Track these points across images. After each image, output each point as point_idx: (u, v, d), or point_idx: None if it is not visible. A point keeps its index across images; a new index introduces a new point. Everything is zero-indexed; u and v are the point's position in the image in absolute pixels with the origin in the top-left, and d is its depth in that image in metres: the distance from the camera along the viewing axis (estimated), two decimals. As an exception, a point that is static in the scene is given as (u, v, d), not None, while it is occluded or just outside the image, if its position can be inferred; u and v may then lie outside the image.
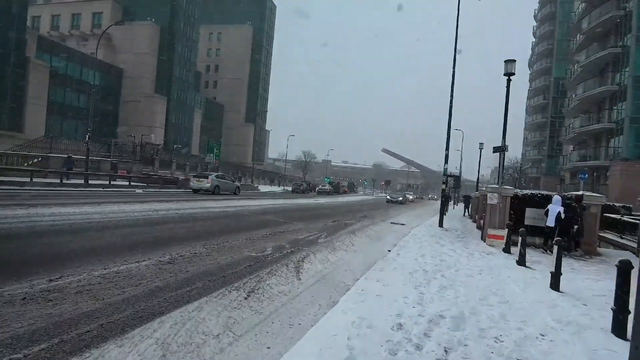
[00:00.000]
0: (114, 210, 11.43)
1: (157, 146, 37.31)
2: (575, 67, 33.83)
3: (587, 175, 17.02)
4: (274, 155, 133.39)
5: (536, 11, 64.29)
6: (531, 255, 8.91)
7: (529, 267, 7.90)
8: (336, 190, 58.17)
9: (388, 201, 36.25)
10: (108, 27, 33.89)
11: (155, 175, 30.90)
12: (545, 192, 11.25)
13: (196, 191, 24.79)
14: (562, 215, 9.77)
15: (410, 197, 50.35)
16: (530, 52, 76.29)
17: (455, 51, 16.16)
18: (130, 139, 35.58)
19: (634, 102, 25.92)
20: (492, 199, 10.84)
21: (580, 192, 10.80)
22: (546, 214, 10.12)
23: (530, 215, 11.07)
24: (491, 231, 10.75)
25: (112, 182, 24.42)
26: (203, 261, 6.20)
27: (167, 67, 64.58)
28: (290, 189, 52.68)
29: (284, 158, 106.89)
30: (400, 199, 36.88)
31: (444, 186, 16.67)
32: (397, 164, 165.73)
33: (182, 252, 6.65)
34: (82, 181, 22.85)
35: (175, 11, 65.10)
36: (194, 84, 77.31)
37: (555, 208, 9.88)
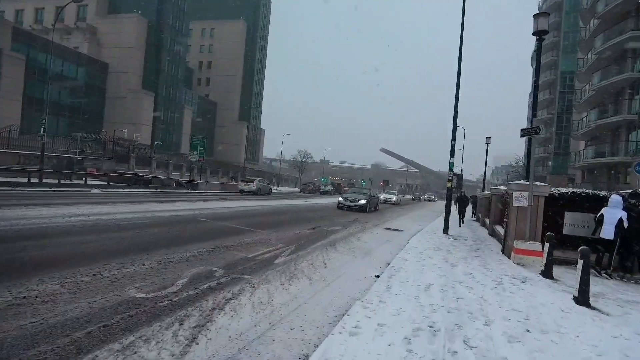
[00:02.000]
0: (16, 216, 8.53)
1: (133, 142, 34.33)
2: (590, 55, 30.96)
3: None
4: (272, 155, 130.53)
5: (540, 3, 61.48)
6: (576, 278, 5.99)
7: (596, 309, 4.97)
8: (337, 190, 61.11)
9: (339, 206, 21.42)
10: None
11: (128, 174, 27.99)
12: (591, 192, 8.30)
13: (242, 192, 29.64)
14: (625, 224, 6.85)
15: (394, 199, 37.31)
16: (533, 47, 73.65)
17: (462, 31, 13.41)
18: (103, 134, 32.57)
19: (661, 90, 23.07)
20: (521, 200, 7.90)
21: (643, 190, 7.88)
22: (599, 221, 7.20)
23: (571, 222, 8.13)
24: (519, 244, 7.81)
25: (72, 181, 21.60)
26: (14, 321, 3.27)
27: (155, 62, 61.69)
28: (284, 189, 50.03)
29: (279, 156, 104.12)
30: (362, 202, 20.92)
31: (449, 184, 13.76)
32: (396, 164, 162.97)
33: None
34: (36, 180, 19.98)
35: (163, 4, 62.15)
36: (185, 80, 74.38)
37: (615, 213, 6.96)
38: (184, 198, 19.12)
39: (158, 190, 23.68)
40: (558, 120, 51.39)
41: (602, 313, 4.80)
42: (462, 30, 13.71)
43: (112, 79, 58.76)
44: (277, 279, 5.47)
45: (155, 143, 42.51)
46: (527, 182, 8.06)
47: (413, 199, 67.01)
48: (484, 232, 15.65)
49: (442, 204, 50.39)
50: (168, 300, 4.13)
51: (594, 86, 28.90)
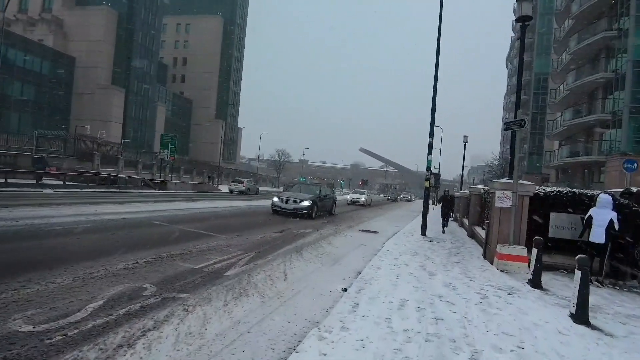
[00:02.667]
0: None
1: (98, 140, 32.43)
2: (564, 56, 31.19)
3: (636, 164, 13.78)
4: (250, 154, 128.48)
5: (515, 5, 62.33)
6: (567, 286, 5.32)
7: (598, 328, 4.23)
8: None
9: (274, 210, 15.71)
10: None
11: (91, 173, 26.27)
12: (578, 190, 7.67)
13: (231, 192, 31.01)
14: (616, 225, 6.20)
15: (363, 199, 31.27)
16: (507, 50, 74.98)
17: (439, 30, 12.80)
18: (66, 132, 30.55)
19: (634, 89, 23.20)
20: (504, 200, 7.19)
21: (634, 188, 7.29)
22: (587, 223, 6.54)
23: (558, 224, 7.48)
24: (503, 249, 7.08)
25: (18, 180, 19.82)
26: None
27: (125, 57, 59.17)
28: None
29: (259, 157, 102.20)
30: (306, 203, 15.18)
31: (426, 183, 13.07)
32: (376, 164, 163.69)
33: None
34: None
35: (134, -4, 59.75)
36: (158, 77, 71.97)
37: (604, 214, 6.30)
38: (148, 199, 17.79)
39: (121, 190, 22.18)
40: (532, 121, 52.03)
41: (605, 334, 4.05)
42: (439, 30, 13.06)
43: (80, 74, 55.98)
44: (222, 297, 4.49)
45: (123, 141, 40.47)
46: (511, 181, 7.35)
47: (389, 199, 59.93)
48: (462, 233, 15.07)
49: (419, 203, 50.38)
50: (61, 335, 3.11)
51: (568, 86, 29.06)
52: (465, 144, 25.12)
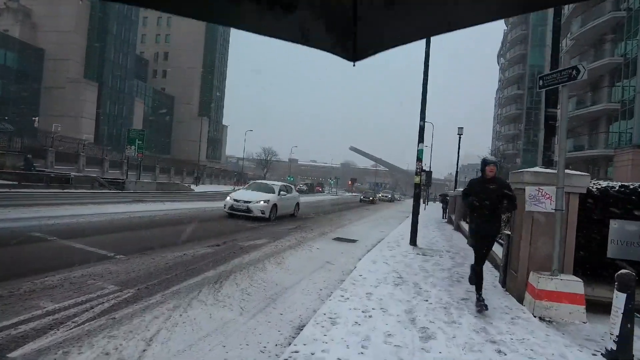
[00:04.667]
0: None
1: (52, 135, 29.13)
2: (565, 42, 28.80)
3: None
4: (238, 153, 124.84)
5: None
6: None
7: None
8: (310, 189, 65.16)
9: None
10: None
11: (41, 171, 23.08)
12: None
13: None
14: None
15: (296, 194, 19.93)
16: (498, 46, 72.89)
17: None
18: (8, 125, 27.24)
19: (647, 75, 20.82)
20: (540, 202, 4.44)
21: None
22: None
23: (622, 237, 4.73)
24: (543, 281, 4.29)
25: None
26: None
27: (99, 49, 55.60)
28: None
29: (248, 155, 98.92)
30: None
31: (416, 179, 10.30)
32: (366, 163, 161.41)
33: None
34: None
35: (108, -15, 56.11)
36: (137, 71, 68.54)
37: None
38: (78, 200, 14.72)
39: (65, 190, 19.07)
40: (527, 116, 50.01)
41: None
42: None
43: (49, 67, 52.28)
44: None
45: (85, 136, 37.04)
46: (551, 170, 4.60)
47: (362, 200, 39.67)
48: (459, 238, 12.35)
49: (408, 203, 47.63)
50: None
51: (570, 74, 26.56)
52: (459, 137, 22.51)
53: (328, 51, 1.01)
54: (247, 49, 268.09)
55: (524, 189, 4.79)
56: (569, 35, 27.63)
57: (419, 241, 10.35)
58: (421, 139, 10.20)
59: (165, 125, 77.26)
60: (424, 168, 25.21)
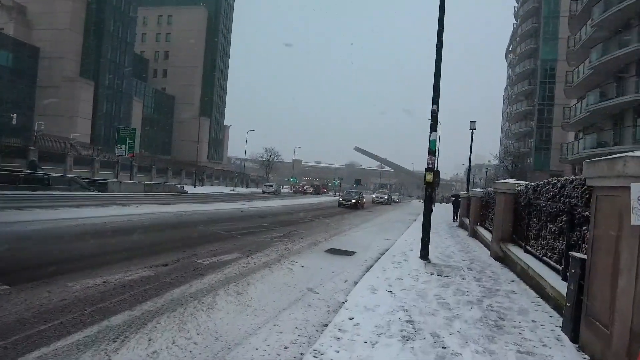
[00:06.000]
0: None
1: (35, 133, 27.49)
2: (584, 30, 26.61)
3: None
4: (241, 154, 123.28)
5: (517, -9, 57.89)
6: None
7: None
8: (317, 191, 66.28)
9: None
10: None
11: (18, 171, 21.37)
12: None
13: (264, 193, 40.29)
14: None
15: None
16: (507, 42, 70.44)
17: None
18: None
19: (683, 61, 18.65)
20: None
21: None
22: None
23: None
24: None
25: None
26: None
27: (95, 47, 54.20)
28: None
29: (252, 157, 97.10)
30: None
31: (429, 176, 8.32)
32: (371, 163, 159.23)
33: None
34: None
35: (104, -20, 54.78)
36: (137, 71, 67.20)
37: None
38: (39, 203, 12.90)
39: (36, 193, 17.31)
40: (539, 112, 47.61)
41: None
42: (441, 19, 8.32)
43: (45, 66, 50.85)
44: None
45: (73, 135, 35.35)
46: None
47: (342, 204, 27.26)
48: (478, 247, 10.32)
49: (414, 206, 45.56)
50: None
51: (592, 64, 24.40)
52: (472, 131, 20.43)
53: None
54: (250, 48, 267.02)
55: (622, 187, 2.81)
56: (589, 22, 25.41)
57: (431, 253, 8.37)
58: (434, 127, 8.21)
59: (165, 125, 75.86)
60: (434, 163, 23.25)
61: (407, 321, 3.93)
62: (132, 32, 61.19)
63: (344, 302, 4.60)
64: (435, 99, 8.22)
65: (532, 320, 4.17)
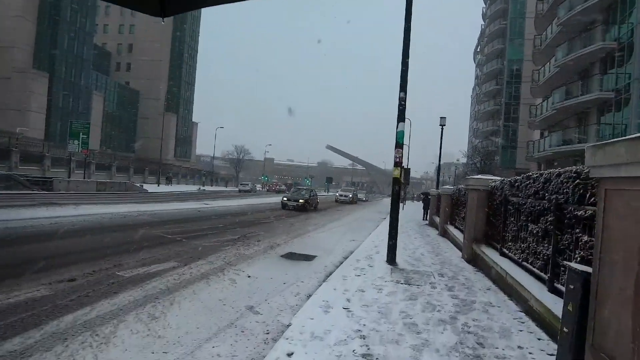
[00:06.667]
0: None
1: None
2: (550, 29, 26.87)
3: None
4: (211, 152, 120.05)
5: (485, -10, 58.84)
6: None
7: None
8: (289, 189, 64.33)
9: None
10: None
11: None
12: None
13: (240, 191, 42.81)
14: None
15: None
16: (475, 43, 71.68)
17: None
18: None
19: (646, 59, 18.86)
20: None
21: None
22: None
23: None
24: None
25: None
26: None
27: (50, 37, 50.72)
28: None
29: (224, 155, 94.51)
30: None
31: (396, 172, 7.51)
32: (344, 162, 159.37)
33: None
34: None
35: (61, -34, 51.33)
36: (98, 63, 63.79)
37: None
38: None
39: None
40: (506, 112, 48.47)
41: None
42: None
43: (-8, 55, 47.13)
44: None
45: (19, 129, 32.61)
46: None
47: (287, 205, 20.95)
48: (449, 248, 9.65)
49: (385, 203, 45.07)
50: None
51: (558, 62, 24.58)
52: (442, 127, 19.97)
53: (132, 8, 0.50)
54: (220, 44, 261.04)
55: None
56: (555, 20, 25.63)
57: (399, 256, 7.57)
58: (402, 116, 7.39)
59: (129, 121, 72.54)
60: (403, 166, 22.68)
61: (364, 355, 3.02)
62: (91, 22, 57.76)
63: (288, 326, 3.65)
64: (403, 85, 7.40)
65: (518, 347, 3.36)
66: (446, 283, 5.77)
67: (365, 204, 39.14)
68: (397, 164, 7.45)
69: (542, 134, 32.36)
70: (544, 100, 29.07)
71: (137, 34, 74.39)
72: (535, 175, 4.83)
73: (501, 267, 5.47)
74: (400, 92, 7.42)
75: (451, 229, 11.42)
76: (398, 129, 7.44)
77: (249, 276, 5.73)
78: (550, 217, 4.20)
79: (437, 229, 14.37)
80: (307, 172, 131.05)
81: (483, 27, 61.64)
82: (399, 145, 7.45)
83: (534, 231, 4.64)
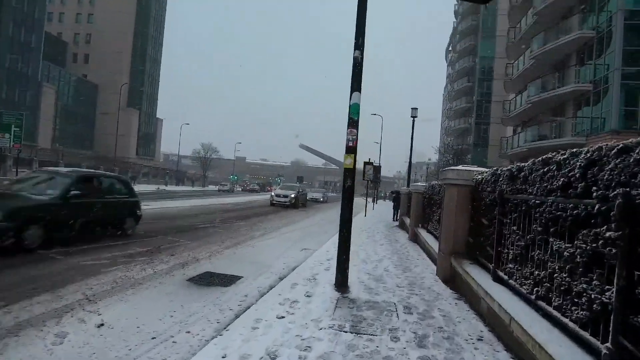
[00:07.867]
0: None
1: None
2: (524, 21, 25.71)
3: None
4: (183, 151, 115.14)
5: (457, -13, 58.21)
6: None
7: None
8: (262, 188, 68.85)
9: None
10: None
11: None
12: None
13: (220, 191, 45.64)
14: None
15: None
16: (447, 40, 71.17)
17: None
18: None
19: (626, 48, 17.72)
20: None
21: None
22: None
23: None
24: None
25: None
26: None
27: (-7, 22, 46.19)
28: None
29: (194, 153, 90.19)
30: None
31: (348, 160, 5.45)
32: (318, 161, 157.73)
33: None
34: None
35: (2, -57, 46.72)
36: (51, 53, 59.01)
37: None
38: None
39: None
40: (477, 109, 47.81)
41: None
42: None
43: None
44: None
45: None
46: None
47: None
48: (420, 258, 7.70)
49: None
50: None
51: (533, 53, 23.35)
52: (413, 119, 18.25)
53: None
54: (188, 39, 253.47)
55: None
56: (530, 11, 24.45)
57: (356, 273, 5.53)
58: (357, 83, 5.32)
59: (86, 116, 67.83)
60: (372, 162, 20.63)
61: None
62: (41, 8, 53.13)
63: None
64: (359, 41, 5.34)
65: None
66: (415, 327, 3.73)
67: (333, 204, 35.14)
68: (350, 149, 5.37)
69: (514, 130, 31.38)
70: (517, 95, 27.98)
71: (97, 24, 69.80)
72: (564, 157, 2.85)
73: (499, 305, 3.46)
74: (354, 50, 5.35)
75: (423, 233, 9.50)
76: (352, 101, 5.37)
77: (100, 324, 3.49)
78: (605, 230, 2.20)
79: (407, 231, 12.47)
80: (281, 171, 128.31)
81: (455, 24, 61.05)
82: (353, 123, 5.37)
83: (565, 254, 2.63)
